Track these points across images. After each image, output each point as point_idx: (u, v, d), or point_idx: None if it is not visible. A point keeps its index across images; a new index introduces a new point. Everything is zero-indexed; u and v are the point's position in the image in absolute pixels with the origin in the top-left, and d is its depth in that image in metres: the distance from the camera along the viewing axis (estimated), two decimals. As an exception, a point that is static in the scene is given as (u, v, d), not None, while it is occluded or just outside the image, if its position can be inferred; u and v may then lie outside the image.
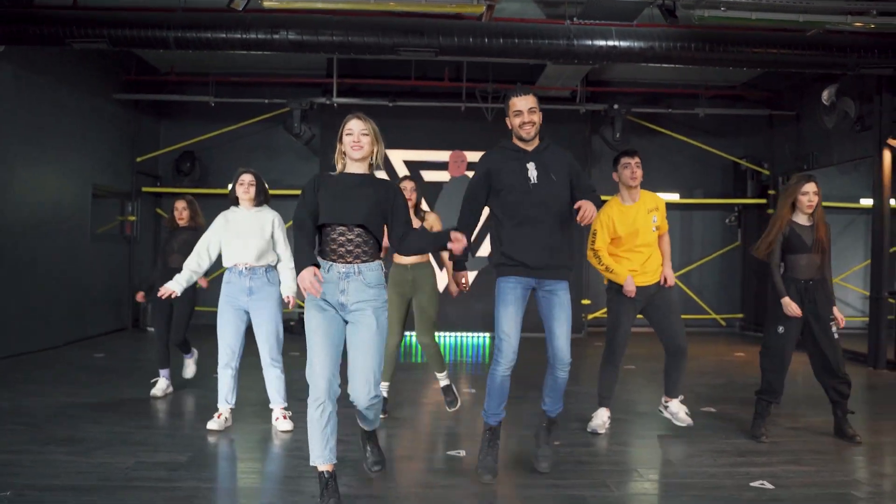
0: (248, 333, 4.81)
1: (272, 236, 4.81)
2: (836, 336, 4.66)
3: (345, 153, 3.37)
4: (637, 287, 4.70)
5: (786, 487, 3.78)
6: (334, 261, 3.29)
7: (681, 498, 3.63)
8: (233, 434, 4.68)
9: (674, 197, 10.81)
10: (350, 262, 3.29)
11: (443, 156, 10.33)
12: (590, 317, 10.62)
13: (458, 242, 3.26)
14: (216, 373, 4.81)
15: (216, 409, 4.85)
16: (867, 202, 11.01)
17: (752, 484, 3.83)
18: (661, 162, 10.69)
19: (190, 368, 6.19)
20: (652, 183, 11.22)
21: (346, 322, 3.34)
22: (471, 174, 10.21)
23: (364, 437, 3.65)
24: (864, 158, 8.42)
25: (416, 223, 5.19)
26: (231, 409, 4.84)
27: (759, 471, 4.04)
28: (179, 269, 5.08)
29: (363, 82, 10.30)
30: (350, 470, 3.89)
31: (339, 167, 3.42)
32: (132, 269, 10.05)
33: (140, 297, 6.12)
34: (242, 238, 4.73)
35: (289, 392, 4.91)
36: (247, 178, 4.86)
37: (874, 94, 7.92)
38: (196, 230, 5.74)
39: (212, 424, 4.73)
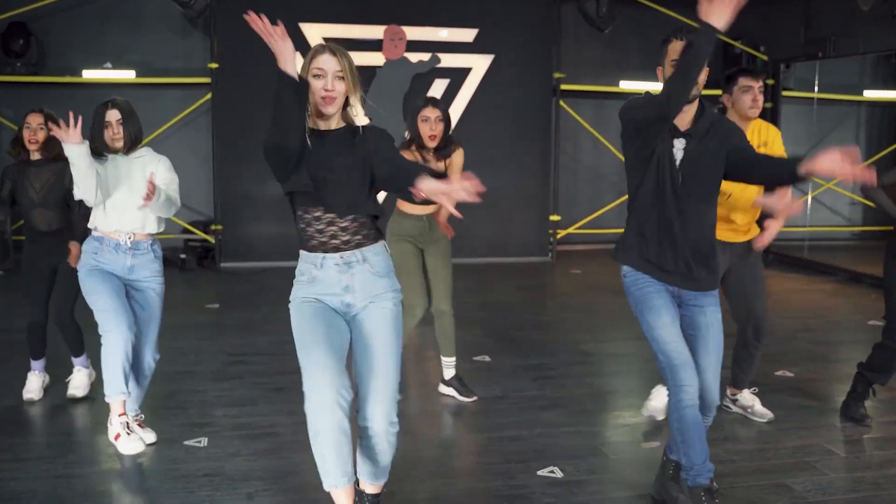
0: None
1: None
2: None
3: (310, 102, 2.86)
4: (722, 242, 4.15)
5: None
6: (326, 252, 2.90)
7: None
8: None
9: (650, 86, 10.39)
10: (350, 250, 2.90)
11: (375, 31, 9.38)
12: (560, 234, 10.28)
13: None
14: None
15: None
16: (871, 94, 11.26)
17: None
18: (635, 41, 10.18)
19: (79, 380, 4.76)
20: (624, 68, 11.20)
21: (351, 328, 2.97)
22: (412, 56, 9.83)
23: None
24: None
25: (437, 165, 4.55)
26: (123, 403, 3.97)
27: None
28: (50, 232, 4.53)
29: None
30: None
31: (309, 122, 2.88)
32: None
33: None
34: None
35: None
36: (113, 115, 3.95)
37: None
38: (59, 162, 4.50)
39: (129, 446, 3.88)
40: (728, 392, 4.58)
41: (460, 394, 4.76)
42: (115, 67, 9.22)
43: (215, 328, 6.56)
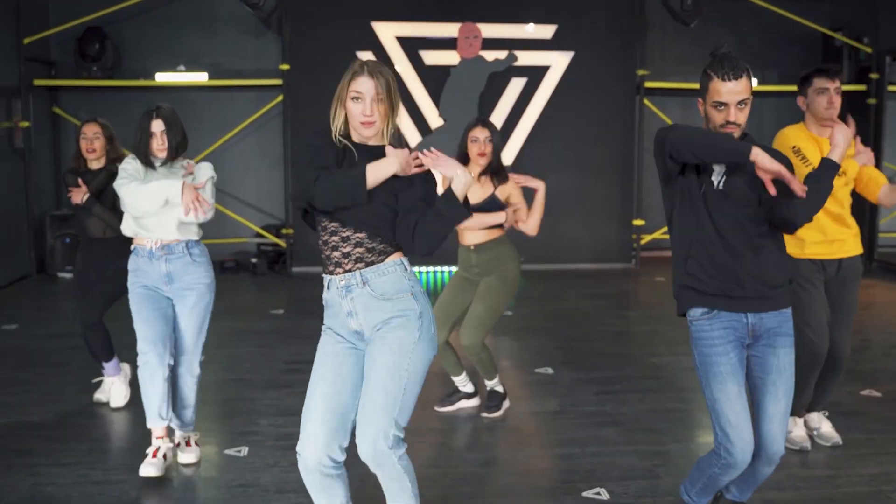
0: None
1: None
2: None
3: (347, 120, 2.87)
4: (819, 260, 4.09)
5: None
6: (331, 272, 2.84)
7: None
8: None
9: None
10: (349, 271, 2.81)
11: (449, 29, 9.41)
12: (644, 239, 10.12)
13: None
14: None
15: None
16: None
17: None
18: (725, 34, 9.93)
19: (108, 386, 4.95)
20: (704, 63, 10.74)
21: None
22: (487, 55, 9.82)
23: None
24: None
25: (484, 190, 4.52)
26: (165, 429, 4.04)
27: None
28: (103, 239, 4.83)
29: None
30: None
31: (336, 131, 2.87)
32: (29, 192, 9.00)
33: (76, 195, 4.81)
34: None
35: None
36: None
37: None
38: (112, 169, 4.64)
39: (147, 469, 3.88)
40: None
41: (485, 407, 4.77)
42: (187, 70, 9.56)
43: (277, 335, 6.71)
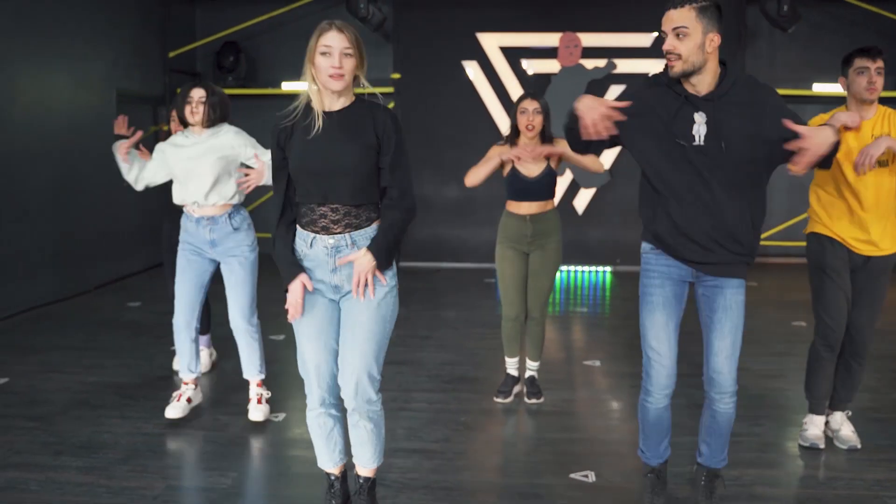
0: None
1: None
2: None
3: (318, 80, 2.90)
4: (846, 248, 3.93)
5: None
6: (317, 233, 2.96)
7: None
8: (283, 431, 4.24)
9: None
10: (339, 233, 2.93)
11: (551, 39, 9.44)
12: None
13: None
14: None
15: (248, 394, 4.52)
16: None
17: None
18: (837, 40, 9.43)
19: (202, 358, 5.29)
20: (826, 69, 10.41)
21: (340, 308, 3.06)
22: (587, 63, 9.83)
23: (354, 487, 3.24)
24: None
25: (538, 165, 4.57)
26: (195, 380, 4.49)
27: None
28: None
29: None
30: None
31: (318, 104, 2.92)
32: (170, 189, 9.66)
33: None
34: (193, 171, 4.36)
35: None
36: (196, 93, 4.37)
37: None
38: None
39: (171, 412, 4.34)
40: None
41: (527, 395, 4.82)
42: (311, 79, 10.04)
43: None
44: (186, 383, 4.45)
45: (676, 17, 2.91)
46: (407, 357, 5.75)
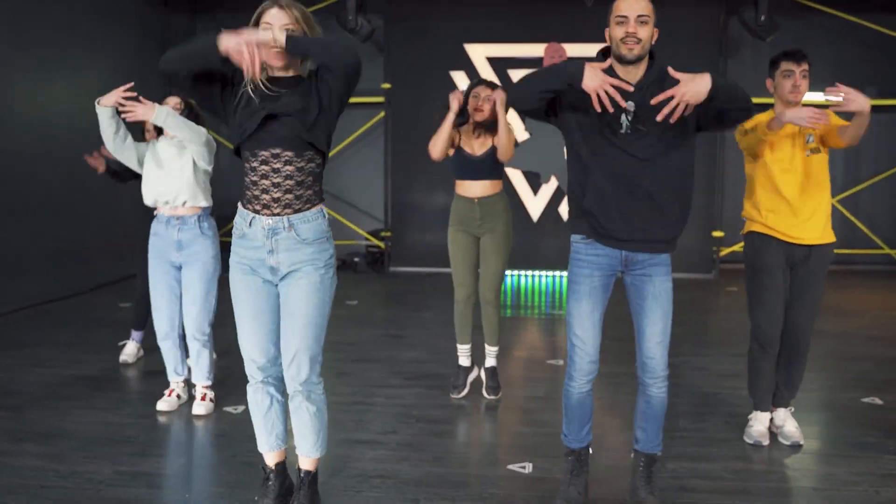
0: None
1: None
2: None
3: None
4: (785, 243, 3.97)
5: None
6: (257, 211, 2.91)
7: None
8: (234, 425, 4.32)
9: (837, 98, 9.57)
10: (277, 214, 2.90)
11: (537, 49, 9.54)
12: (723, 252, 9.80)
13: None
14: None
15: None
16: None
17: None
18: (820, 50, 9.44)
19: (129, 349, 5.63)
20: (810, 78, 10.25)
21: (278, 290, 3.04)
22: None
23: (296, 482, 3.25)
24: None
25: (483, 144, 4.66)
26: (185, 381, 4.66)
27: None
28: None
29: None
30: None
31: (258, 79, 2.84)
32: (170, 195, 9.85)
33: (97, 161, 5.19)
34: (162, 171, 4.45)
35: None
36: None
37: None
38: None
39: (161, 405, 4.53)
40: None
41: (485, 389, 4.86)
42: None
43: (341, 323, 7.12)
44: (177, 382, 4.61)
45: (639, 6, 2.99)
46: (375, 355, 5.84)
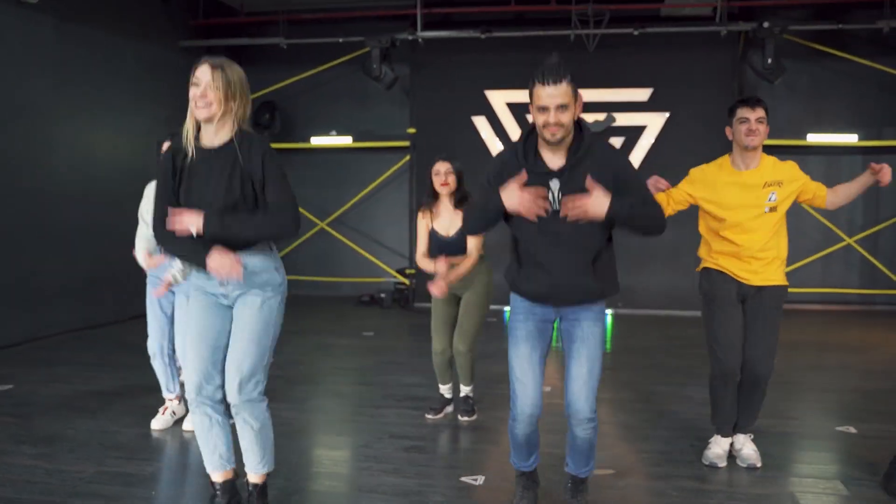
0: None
1: None
2: None
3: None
4: (736, 281, 4.06)
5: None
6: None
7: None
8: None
9: (852, 138, 9.53)
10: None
11: (552, 95, 9.69)
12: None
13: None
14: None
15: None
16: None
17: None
18: (833, 93, 9.46)
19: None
20: (824, 121, 10.44)
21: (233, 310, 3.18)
22: (588, 116, 10.00)
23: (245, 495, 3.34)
24: None
25: (456, 222, 4.73)
26: (177, 397, 4.81)
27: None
28: None
29: (455, 11, 9.87)
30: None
31: (191, 133, 3.08)
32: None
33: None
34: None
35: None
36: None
37: None
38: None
39: (155, 423, 4.70)
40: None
41: (460, 412, 5.01)
42: (338, 134, 10.61)
43: (354, 349, 7.35)
44: (171, 400, 4.82)
45: (558, 95, 2.97)
46: (373, 379, 6.03)
